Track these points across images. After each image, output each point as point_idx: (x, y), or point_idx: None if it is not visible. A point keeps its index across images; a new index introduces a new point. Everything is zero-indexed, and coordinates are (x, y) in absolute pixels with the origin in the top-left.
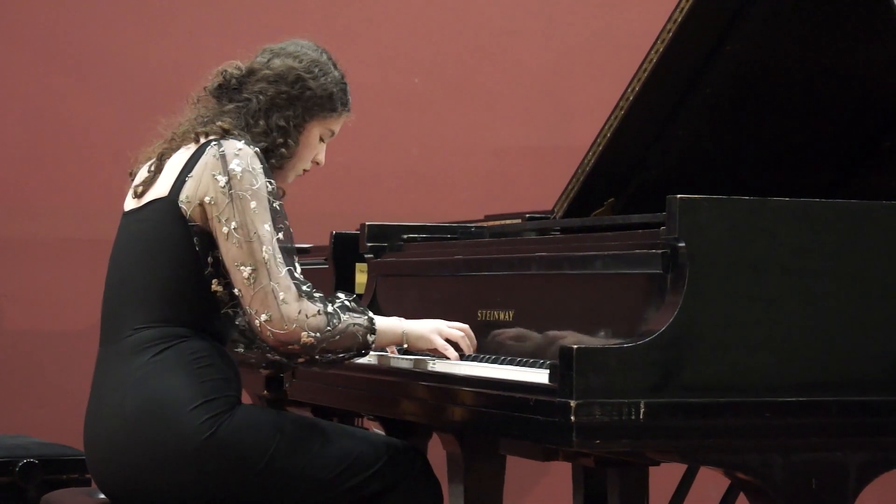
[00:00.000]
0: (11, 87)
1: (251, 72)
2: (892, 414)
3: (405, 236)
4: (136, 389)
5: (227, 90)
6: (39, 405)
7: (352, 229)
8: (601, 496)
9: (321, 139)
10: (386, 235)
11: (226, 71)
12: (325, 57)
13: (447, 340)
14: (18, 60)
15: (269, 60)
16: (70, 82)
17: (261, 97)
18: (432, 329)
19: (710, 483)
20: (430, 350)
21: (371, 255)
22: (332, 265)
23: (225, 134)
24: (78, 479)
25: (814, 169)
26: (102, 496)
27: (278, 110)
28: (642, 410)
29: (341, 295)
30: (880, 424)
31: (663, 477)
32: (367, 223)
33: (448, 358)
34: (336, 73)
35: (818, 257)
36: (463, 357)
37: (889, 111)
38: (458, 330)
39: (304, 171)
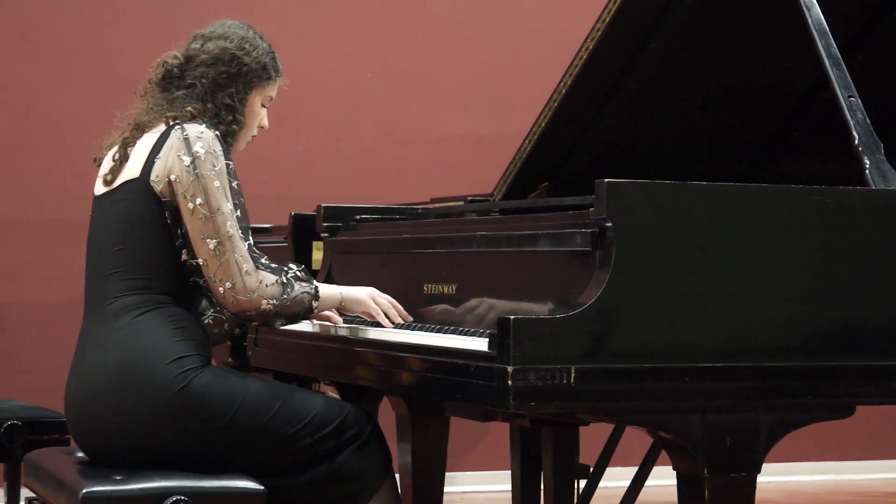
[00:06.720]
0: None
1: (189, 59)
2: (799, 378)
3: (358, 217)
4: (118, 347)
5: (172, 79)
6: (23, 371)
7: (309, 210)
8: (536, 453)
9: (263, 105)
10: (340, 216)
11: (166, 62)
12: (251, 32)
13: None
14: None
15: (202, 45)
16: (48, 75)
17: (203, 80)
18: (367, 295)
19: (636, 441)
20: (363, 313)
21: (327, 234)
22: (291, 243)
23: (192, 118)
24: (58, 438)
25: (730, 156)
26: (81, 454)
27: (222, 89)
28: (573, 375)
29: (293, 266)
30: (789, 388)
31: (593, 436)
32: (324, 205)
33: (382, 325)
34: (264, 45)
35: (733, 236)
36: (396, 325)
37: (797, 104)
38: (387, 301)
39: (253, 136)
